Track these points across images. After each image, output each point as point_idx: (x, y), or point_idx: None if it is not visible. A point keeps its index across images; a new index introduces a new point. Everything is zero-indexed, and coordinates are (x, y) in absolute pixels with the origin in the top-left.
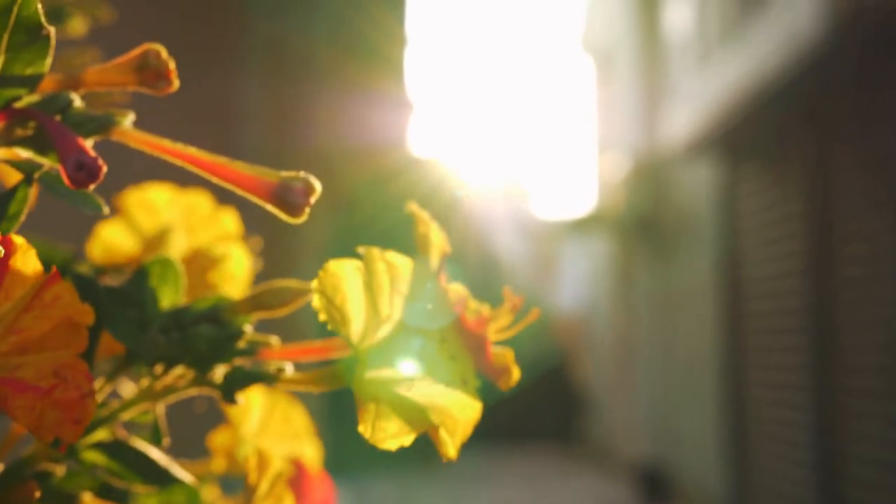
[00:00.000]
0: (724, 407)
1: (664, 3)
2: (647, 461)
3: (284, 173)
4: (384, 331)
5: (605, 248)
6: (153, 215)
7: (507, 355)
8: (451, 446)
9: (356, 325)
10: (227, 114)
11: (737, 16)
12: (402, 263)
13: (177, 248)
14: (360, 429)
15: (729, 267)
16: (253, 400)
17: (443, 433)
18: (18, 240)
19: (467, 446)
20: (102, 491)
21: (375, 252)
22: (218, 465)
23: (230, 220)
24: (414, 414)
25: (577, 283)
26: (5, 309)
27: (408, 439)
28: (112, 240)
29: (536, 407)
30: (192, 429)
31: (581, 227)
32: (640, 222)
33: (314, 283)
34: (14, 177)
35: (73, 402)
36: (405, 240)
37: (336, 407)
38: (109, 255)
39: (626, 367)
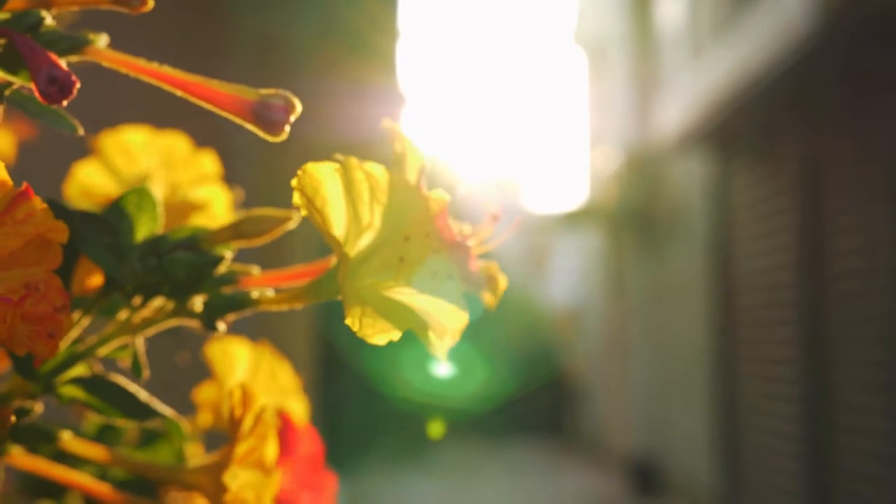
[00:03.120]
0: (716, 400)
1: None
2: (639, 454)
3: (263, 91)
4: (366, 239)
5: (597, 241)
6: (130, 157)
7: (491, 267)
8: (438, 347)
9: (338, 230)
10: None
11: (728, 9)
12: (380, 172)
13: (157, 189)
14: (348, 322)
15: (721, 260)
16: (239, 354)
17: (431, 333)
18: None
19: (459, 439)
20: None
21: (353, 160)
22: (204, 419)
23: (209, 161)
24: (401, 314)
25: (570, 277)
26: None
27: (395, 335)
28: (88, 180)
29: (528, 400)
30: (176, 385)
31: (573, 220)
32: (633, 216)
33: (293, 182)
34: None
35: (46, 315)
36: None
37: (329, 402)
38: (86, 196)
39: (618, 361)
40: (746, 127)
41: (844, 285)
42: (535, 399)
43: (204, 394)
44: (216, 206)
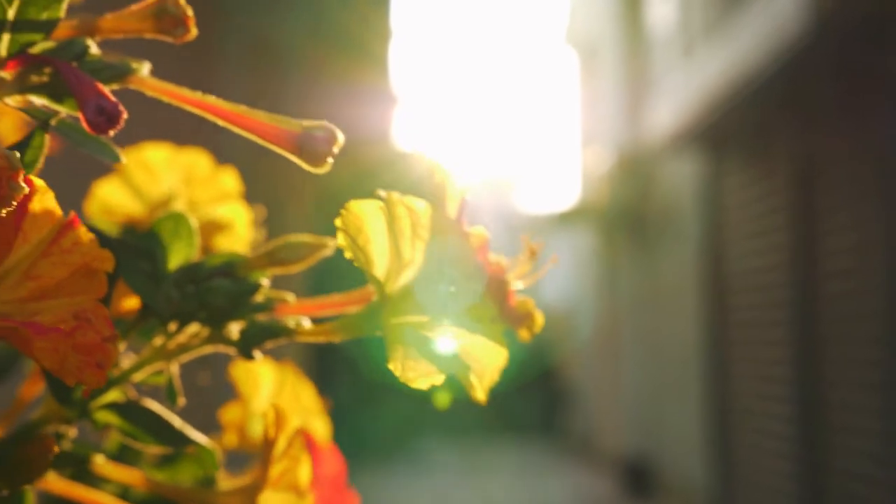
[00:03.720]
0: (709, 400)
1: None
2: (632, 454)
3: (306, 122)
4: (407, 275)
5: (589, 241)
6: (152, 175)
7: (528, 302)
8: (480, 390)
9: (380, 267)
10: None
11: (720, 10)
12: (422, 208)
13: (178, 207)
14: (390, 366)
15: (713, 260)
16: (263, 375)
17: (472, 376)
18: (38, 182)
19: (451, 439)
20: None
21: (395, 196)
22: (229, 440)
23: (230, 179)
24: (442, 356)
25: (562, 277)
26: (23, 253)
27: (438, 379)
28: (109, 199)
29: (520, 400)
30: (201, 405)
31: (565, 220)
32: (625, 216)
33: (337, 222)
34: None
35: (95, 345)
36: None
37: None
38: (107, 214)
39: (610, 361)
40: (738, 127)
41: (837, 285)
42: (527, 399)
43: (229, 414)
44: (238, 224)
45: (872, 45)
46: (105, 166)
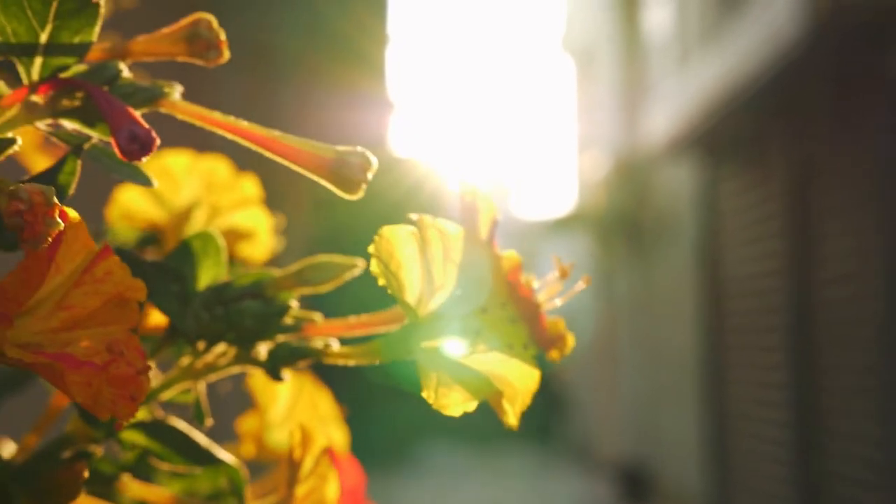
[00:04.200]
0: (705, 405)
1: (644, 4)
2: (628, 459)
3: (340, 148)
4: (438, 299)
5: (585, 247)
6: (173, 181)
7: (559, 324)
8: (511, 415)
9: (412, 293)
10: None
11: (716, 16)
12: (454, 231)
13: (199, 215)
14: (424, 395)
15: (709, 266)
16: (280, 385)
17: (504, 402)
18: (72, 213)
19: (448, 444)
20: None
21: (427, 219)
22: (246, 450)
23: (250, 185)
24: (475, 382)
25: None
26: (56, 283)
27: (471, 406)
28: (130, 205)
29: None
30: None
31: (562, 226)
32: (621, 221)
33: (370, 249)
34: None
35: (129, 378)
36: None
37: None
38: (128, 221)
39: (606, 366)
40: (734, 133)
41: (833, 291)
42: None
43: (246, 424)
44: (260, 231)
45: (868, 51)
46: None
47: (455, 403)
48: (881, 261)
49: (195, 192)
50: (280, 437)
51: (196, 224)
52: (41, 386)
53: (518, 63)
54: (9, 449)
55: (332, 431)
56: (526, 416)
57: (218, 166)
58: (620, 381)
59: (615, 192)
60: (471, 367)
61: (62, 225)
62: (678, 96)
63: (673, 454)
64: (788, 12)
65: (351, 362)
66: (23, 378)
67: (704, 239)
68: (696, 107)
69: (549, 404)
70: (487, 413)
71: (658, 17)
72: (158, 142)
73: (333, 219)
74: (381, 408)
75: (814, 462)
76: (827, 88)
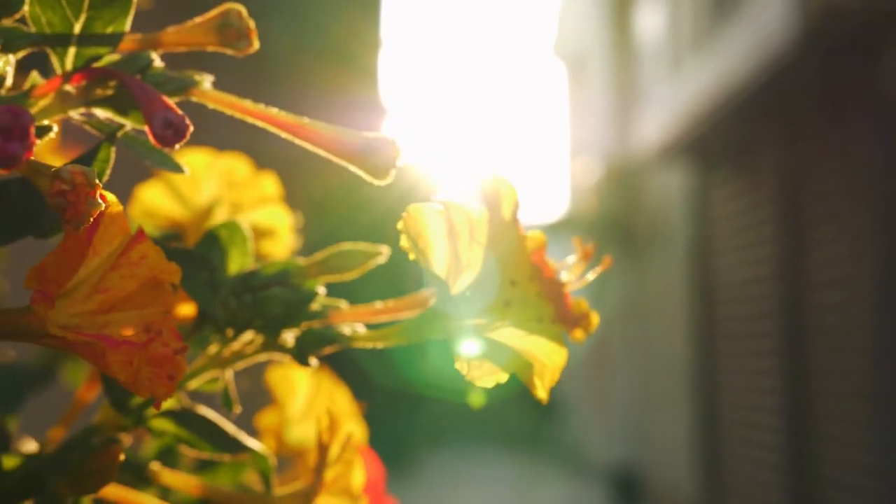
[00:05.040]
0: (697, 410)
1: (636, 10)
2: (620, 464)
3: (368, 134)
4: (466, 279)
5: (577, 252)
6: (193, 179)
7: (583, 303)
8: (541, 388)
9: (440, 270)
10: (197, 119)
11: (708, 22)
12: (479, 213)
13: (220, 213)
14: (457, 366)
15: (701, 271)
16: (299, 380)
17: (535, 376)
18: (110, 196)
19: (440, 449)
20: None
21: (453, 202)
22: (266, 445)
23: (270, 183)
24: (505, 357)
25: None
26: (93, 266)
27: (502, 377)
28: (152, 203)
29: (510, 410)
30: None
31: (553, 231)
32: (613, 227)
33: (400, 225)
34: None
35: (166, 357)
36: (379, 242)
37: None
38: (149, 218)
39: (599, 371)
40: (726, 139)
41: (824, 296)
42: (517, 409)
43: (266, 419)
44: (280, 228)
45: (858, 58)
46: (144, 170)
47: (486, 375)
48: (872, 266)
49: (215, 190)
50: (298, 432)
51: (217, 221)
52: (59, 387)
53: (510, 68)
54: (30, 447)
55: (350, 427)
56: (518, 422)
57: (238, 165)
58: (612, 386)
59: (607, 197)
60: (501, 342)
61: (103, 205)
62: (670, 102)
63: (665, 459)
64: (779, 19)
65: (379, 345)
66: (44, 377)
67: (696, 244)
68: (688, 112)
69: (540, 410)
70: (479, 419)
71: (650, 24)
72: (191, 128)
73: (326, 222)
74: (370, 413)
75: (806, 467)
76: (818, 94)
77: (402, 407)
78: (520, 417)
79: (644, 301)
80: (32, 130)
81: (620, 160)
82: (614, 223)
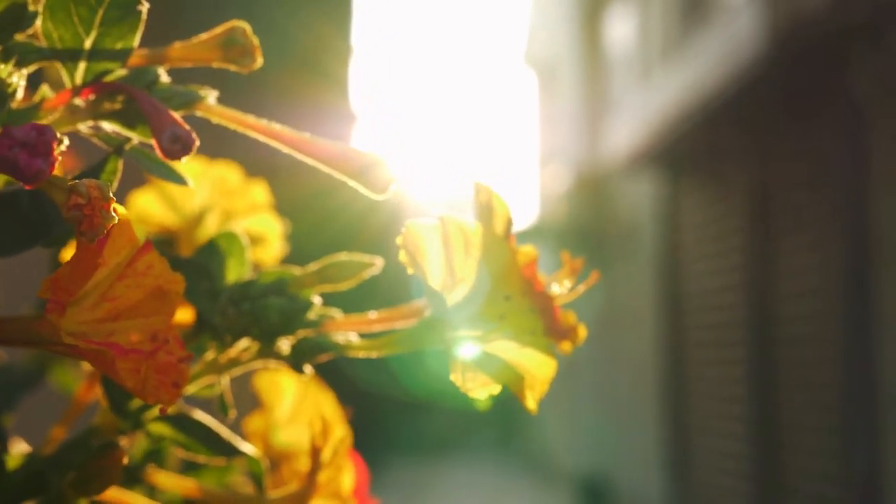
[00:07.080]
0: (665, 419)
1: (607, 19)
2: (589, 473)
3: (367, 150)
4: (459, 292)
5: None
6: (185, 187)
7: (571, 316)
8: (531, 400)
9: (436, 282)
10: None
11: (678, 32)
12: (473, 227)
13: (211, 220)
14: (452, 377)
15: (670, 280)
16: (285, 385)
17: (525, 388)
18: (120, 208)
19: (407, 457)
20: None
21: (449, 217)
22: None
23: (260, 191)
24: (498, 368)
25: None
26: (102, 276)
27: (495, 390)
28: (145, 210)
29: (477, 418)
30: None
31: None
32: (582, 235)
33: (399, 240)
34: None
35: (171, 366)
36: (350, 250)
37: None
38: (142, 224)
39: (567, 379)
40: (695, 148)
41: (793, 306)
42: (484, 417)
43: (253, 424)
44: (271, 236)
45: (827, 67)
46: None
47: (480, 387)
48: (841, 276)
49: (207, 197)
50: (285, 436)
51: (208, 228)
52: (37, 391)
53: (481, 76)
54: (21, 449)
55: (340, 432)
56: (485, 428)
57: (229, 173)
58: (580, 393)
59: (576, 205)
60: (494, 354)
61: (116, 218)
62: (640, 111)
63: (633, 467)
64: (749, 29)
65: (372, 354)
66: (34, 379)
67: (665, 253)
68: (658, 121)
69: (508, 417)
70: (447, 427)
71: (620, 33)
72: (198, 142)
73: (297, 230)
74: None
75: (773, 476)
76: (787, 104)
77: (367, 413)
78: (487, 424)
79: (613, 308)
80: (56, 146)
81: (590, 168)
82: (583, 231)
